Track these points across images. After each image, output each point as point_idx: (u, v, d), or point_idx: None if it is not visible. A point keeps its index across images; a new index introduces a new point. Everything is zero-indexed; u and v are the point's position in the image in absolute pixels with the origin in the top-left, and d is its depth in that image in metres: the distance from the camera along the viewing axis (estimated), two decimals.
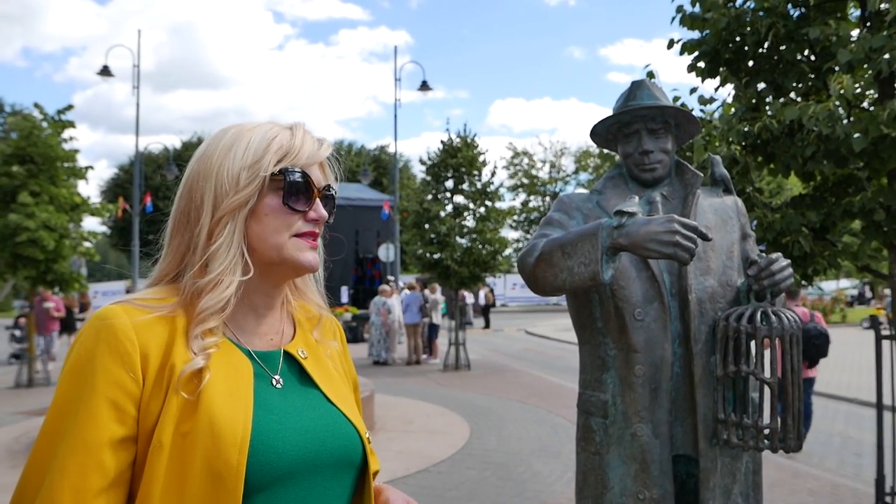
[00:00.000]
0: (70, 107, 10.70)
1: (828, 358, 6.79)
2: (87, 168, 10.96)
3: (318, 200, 1.06)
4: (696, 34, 5.01)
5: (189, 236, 1.02)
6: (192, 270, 1.00)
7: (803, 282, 4.84)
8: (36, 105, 10.47)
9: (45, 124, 10.39)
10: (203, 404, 0.91)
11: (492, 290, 25.39)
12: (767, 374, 1.93)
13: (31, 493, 0.89)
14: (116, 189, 36.18)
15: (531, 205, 45.86)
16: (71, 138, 10.67)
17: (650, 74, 4.98)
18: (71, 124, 10.68)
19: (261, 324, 1.07)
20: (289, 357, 1.07)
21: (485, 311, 24.26)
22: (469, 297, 23.93)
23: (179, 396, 0.91)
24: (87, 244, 10.99)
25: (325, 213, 1.07)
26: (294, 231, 1.03)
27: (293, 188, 1.02)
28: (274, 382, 1.02)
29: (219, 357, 0.96)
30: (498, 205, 12.81)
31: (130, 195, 24.95)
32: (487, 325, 23.90)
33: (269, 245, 1.02)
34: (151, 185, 33.75)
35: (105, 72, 20.03)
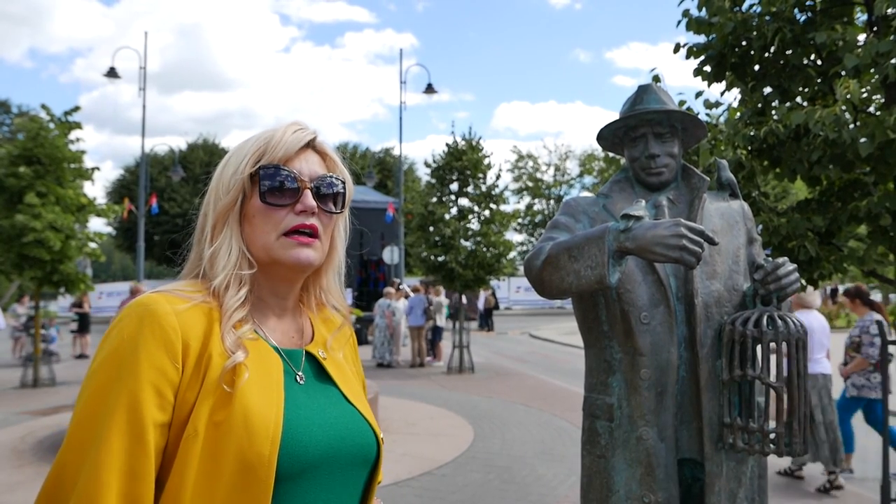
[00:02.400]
0: (77, 108, 10.72)
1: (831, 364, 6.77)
2: (93, 169, 10.99)
3: (306, 192, 1.05)
4: (702, 38, 5.01)
5: (201, 242, 1.08)
6: (208, 272, 1.05)
7: (808, 286, 4.83)
8: (43, 106, 10.49)
9: (51, 125, 10.43)
10: (237, 396, 0.93)
11: (493, 293, 25.33)
12: (773, 378, 1.93)
13: (70, 475, 0.88)
14: (122, 190, 36.15)
15: (535, 208, 45.87)
16: (77, 139, 10.71)
17: (656, 78, 4.98)
18: (77, 125, 10.71)
19: (281, 322, 1.10)
20: (309, 356, 1.10)
21: (487, 314, 24.22)
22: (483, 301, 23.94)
23: (216, 387, 0.93)
24: (92, 245, 11.01)
25: (312, 203, 1.05)
26: (283, 229, 1.04)
27: (270, 184, 1.04)
28: (298, 379, 1.04)
29: (252, 352, 0.99)
30: (502, 208, 12.79)
31: (136, 196, 25.03)
32: (490, 329, 23.88)
33: (258, 246, 1.05)
34: (157, 186, 33.80)
35: (111, 73, 20.09)
